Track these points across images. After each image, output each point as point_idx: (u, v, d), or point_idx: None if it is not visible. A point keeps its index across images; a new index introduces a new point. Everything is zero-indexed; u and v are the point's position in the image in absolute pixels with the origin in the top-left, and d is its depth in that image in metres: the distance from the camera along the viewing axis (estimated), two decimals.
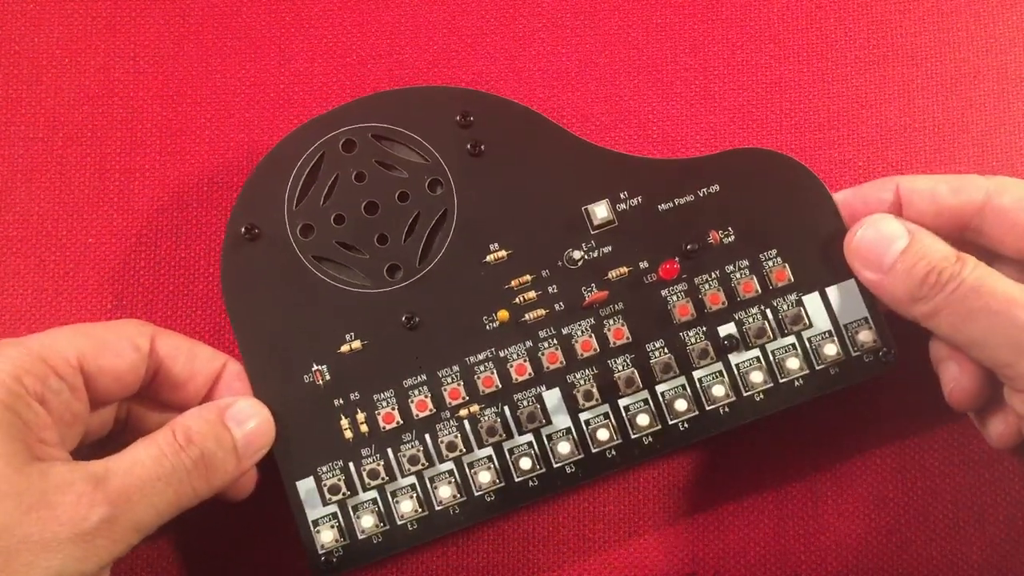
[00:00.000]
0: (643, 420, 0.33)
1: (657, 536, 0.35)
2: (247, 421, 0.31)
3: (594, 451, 0.33)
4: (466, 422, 0.33)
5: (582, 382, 0.33)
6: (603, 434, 0.33)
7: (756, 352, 0.33)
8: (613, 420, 0.33)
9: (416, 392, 0.33)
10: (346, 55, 0.38)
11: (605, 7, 0.38)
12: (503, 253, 0.33)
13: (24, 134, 0.37)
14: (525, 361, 0.33)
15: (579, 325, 0.33)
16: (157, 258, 0.37)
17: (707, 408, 0.33)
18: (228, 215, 0.33)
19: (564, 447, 0.33)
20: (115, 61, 0.38)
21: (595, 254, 0.33)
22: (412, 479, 0.33)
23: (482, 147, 0.34)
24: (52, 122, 0.37)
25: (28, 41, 0.38)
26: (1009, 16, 0.38)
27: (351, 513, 0.32)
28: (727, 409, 0.33)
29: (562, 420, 0.33)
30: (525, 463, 0.33)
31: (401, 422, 0.33)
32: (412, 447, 0.33)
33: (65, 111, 0.38)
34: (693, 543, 0.35)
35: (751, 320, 0.33)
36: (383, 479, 0.32)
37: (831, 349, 0.33)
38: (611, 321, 0.33)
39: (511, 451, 0.33)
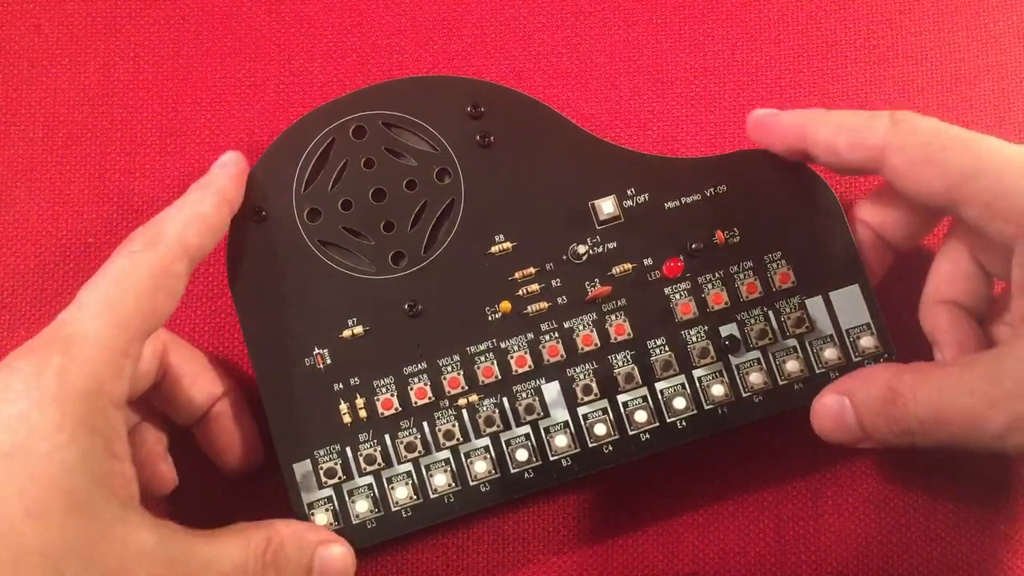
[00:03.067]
0: (641, 417, 0.33)
1: (657, 536, 0.35)
2: (331, 571, 0.31)
3: (591, 445, 0.33)
4: (464, 411, 0.33)
5: (582, 376, 0.33)
6: (600, 429, 0.33)
7: (757, 353, 0.33)
8: (611, 416, 0.33)
9: (416, 380, 0.33)
10: (346, 55, 0.38)
11: (605, 7, 0.39)
12: (508, 245, 0.34)
13: (24, 134, 0.38)
14: (526, 353, 0.33)
15: (581, 319, 0.33)
16: None
17: (706, 407, 0.33)
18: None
19: (561, 440, 0.33)
20: (115, 61, 0.38)
21: (600, 249, 0.34)
22: (408, 466, 0.33)
23: (491, 138, 0.34)
24: (52, 122, 0.38)
25: (28, 41, 0.38)
26: (1009, 16, 0.38)
27: (346, 497, 0.33)
28: (725, 409, 0.33)
29: (560, 413, 0.33)
30: (521, 455, 0.33)
31: (400, 409, 0.33)
32: (410, 434, 0.33)
33: (65, 111, 0.38)
34: (693, 543, 0.35)
35: (753, 321, 0.33)
36: (379, 465, 0.32)
37: (832, 353, 0.33)
38: (613, 317, 0.33)
39: (508, 442, 0.33)
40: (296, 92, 0.38)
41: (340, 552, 0.31)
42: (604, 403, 0.33)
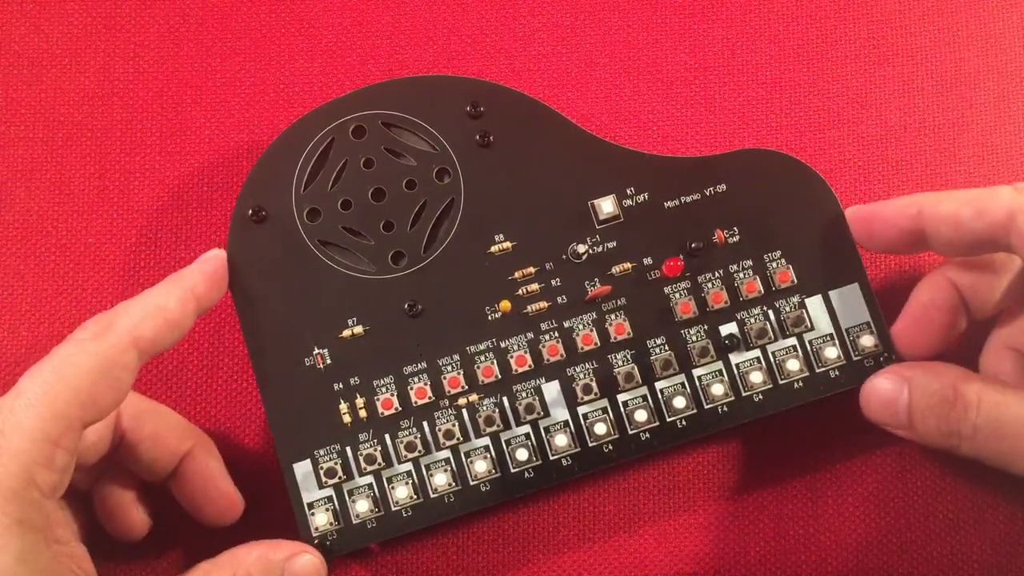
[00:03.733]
0: (641, 416, 0.33)
1: (657, 536, 0.35)
2: None
3: (591, 445, 0.33)
4: (464, 411, 0.33)
5: (581, 376, 0.33)
6: (600, 428, 0.33)
7: (756, 352, 0.33)
8: (611, 415, 0.33)
9: (416, 379, 0.33)
10: (346, 55, 0.38)
11: (605, 7, 0.39)
12: (508, 244, 0.34)
13: (24, 134, 0.38)
14: (525, 353, 0.33)
15: (581, 319, 0.33)
16: (157, 258, 0.37)
17: (705, 407, 0.33)
18: (228, 215, 0.34)
19: (561, 440, 0.33)
20: (115, 61, 0.38)
21: (599, 249, 0.34)
22: (408, 466, 0.33)
23: (491, 138, 0.34)
24: (52, 122, 0.38)
25: (28, 41, 0.38)
26: (1009, 16, 0.38)
27: (346, 497, 0.33)
28: (725, 408, 0.33)
29: (560, 413, 0.33)
30: (521, 454, 0.33)
31: (400, 408, 0.33)
32: (410, 434, 0.33)
33: (65, 111, 0.38)
34: (693, 543, 0.35)
35: (753, 320, 0.33)
36: (379, 465, 0.32)
37: (832, 352, 0.33)
38: (613, 316, 0.33)
39: (508, 442, 0.33)
40: (296, 92, 0.38)
41: (308, 559, 0.31)
42: (604, 402, 0.33)
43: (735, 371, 0.33)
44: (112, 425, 0.31)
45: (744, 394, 0.33)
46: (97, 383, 0.28)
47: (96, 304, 0.36)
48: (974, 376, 0.30)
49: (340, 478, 0.32)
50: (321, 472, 0.32)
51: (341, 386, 0.33)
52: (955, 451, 0.30)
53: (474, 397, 0.33)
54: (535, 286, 0.33)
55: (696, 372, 0.33)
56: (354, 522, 0.32)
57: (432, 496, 0.32)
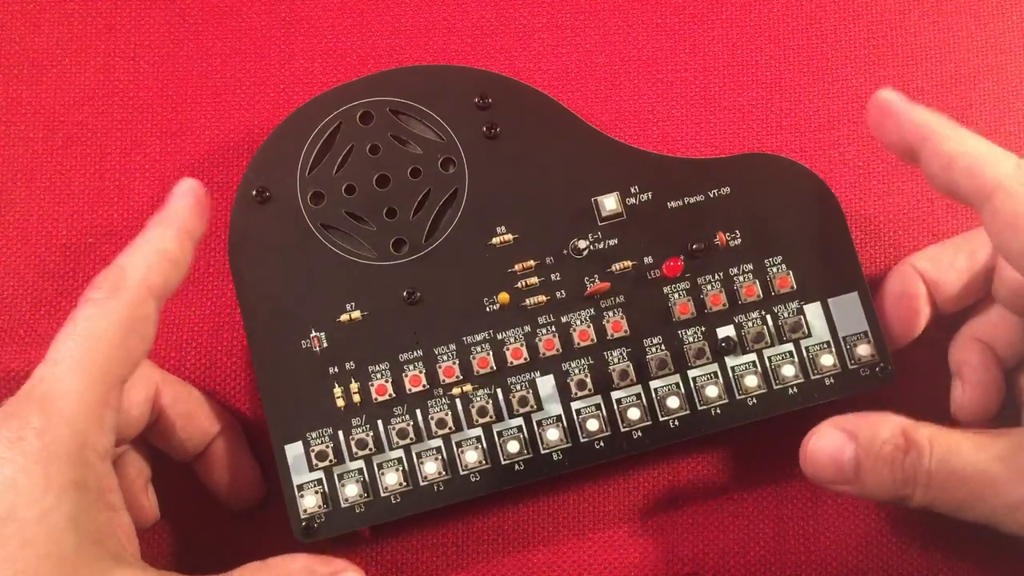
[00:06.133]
0: (634, 414, 0.33)
1: (657, 536, 0.35)
2: None
3: (582, 441, 0.33)
4: (458, 401, 0.33)
5: (577, 371, 0.33)
6: (593, 424, 0.33)
7: (752, 356, 0.33)
8: (604, 412, 0.33)
9: (411, 367, 0.33)
10: (346, 55, 0.38)
11: (605, 7, 0.39)
12: (509, 237, 0.34)
13: (24, 134, 0.38)
14: (522, 346, 0.33)
15: (578, 315, 0.33)
16: None
17: (699, 408, 0.33)
18: (228, 215, 0.34)
19: (553, 434, 0.33)
20: (115, 61, 0.38)
21: (600, 245, 0.34)
22: (399, 452, 0.33)
23: (498, 130, 0.34)
24: (52, 122, 0.38)
25: (28, 41, 0.38)
26: (1009, 16, 0.38)
27: (336, 481, 0.33)
28: (719, 411, 0.33)
29: (553, 407, 0.33)
30: (513, 446, 0.33)
31: (393, 395, 0.33)
32: (402, 421, 0.33)
33: (65, 111, 0.38)
34: (693, 543, 0.35)
35: (750, 324, 0.33)
36: (371, 450, 0.32)
37: (828, 360, 0.33)
38: (611, 313, 0.33)
39: (500, 433, 0.33)
40: (296, 92, 0.38)
41: None
42: (598, 399, 0.33)
43: (730, 374, 0.33)
44: (151, 401, 0.32)
45: (738, 397, 0.33)
46: (126, 338, 0.28)
47: None
48: (921, 423, 0.30)
49: (331, 461, 0.32)
50: (312, 455, 0.32)
51: (336, 370, 0.33)
52: (907, 501, 0.29)
53: (468, 387, 0.33)
54: (534, 279, 0.33)
55: (691, 373, 0.33)
56: (343, 506, 0.32)
57: (422, 484, 0.33)
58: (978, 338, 0.33)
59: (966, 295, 0.33)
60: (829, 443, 0.30)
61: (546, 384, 0.33)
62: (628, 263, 0.34)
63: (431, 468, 0.32)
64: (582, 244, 0.33)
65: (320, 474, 0.33)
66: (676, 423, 0.33)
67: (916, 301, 0.33)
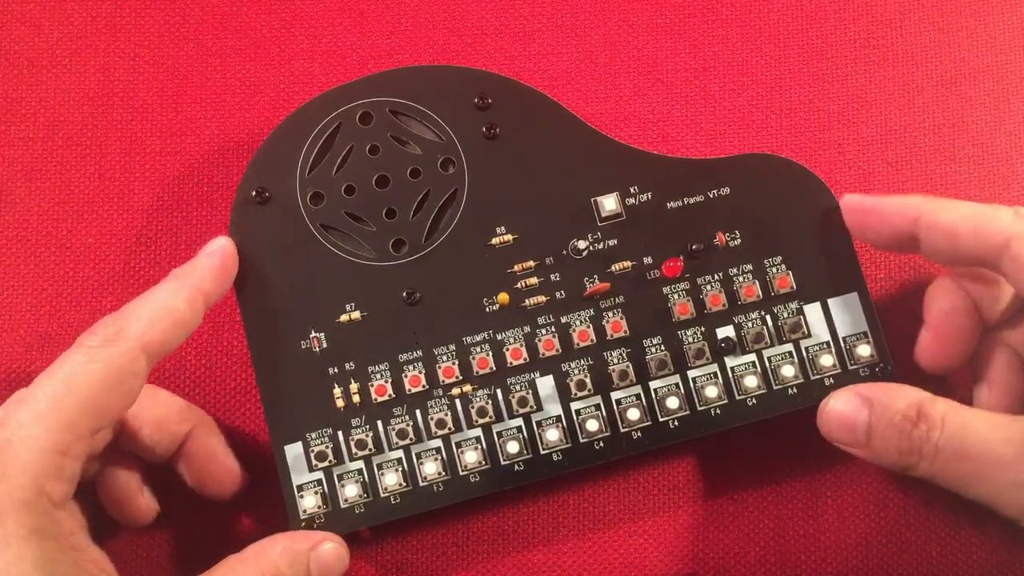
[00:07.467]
0: (634, 415, 0.33)
1: (657, 536, 0.35)
2: (330, 568, 0.31)
3: (582, 441, 0.33)
4: (457, 401, 0.33)
5: (576, 372, 0.33)
6: (592, 425, 0.33)
7: (752, 357, 0.33)
8: (604, 412, 0.33)
9: (411, 367, 0.33)
10: (346, 55, 0.38)
11: (605, 7, 0.38)
12: (509, 237, 0.34)
13: (24, 134, 0.38)
14: (521, 346, 0.33)
15: (578, 315, 0.33)
16: (157, 258, 0.37)
17: (699, 408, 0.33)
18: (228, 215, 0.34)
19: (552, 434, 0.33)
20: (115, 61, 0.38)
21: (600, 246, 0.34)
22: (399, 453, 0.33)
23: (497, 130, 0.34)
24: (52, 122, 0.38)
25: (28, 41, 0.38)
26: (1009, 16, 0.38)
27: (336, 481, 0.33)
28: (718, 411, 0.33)
29: (553, 408, 0.33)
30: (512, 447, 0.33)
31: (393, 396, 0.33)
32: (402, 421, 0.33)
33: (65, 111, 0.38)
34: (693, 543, 0.35)
35: (750, 324, 0.33)
36: (370, 450, 0.32)
37: (827, 360, 0.33)
38: (610, 314, 0.33)
39: (499, 434, 0.33)
40: (296, 93, 0.38)
41: (332, 547, 0.31)
42: (597, 399, 0.33)
43: (730, 374, 0.33)
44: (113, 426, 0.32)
45: (738, 398, 0.33)
46: (108, 392, 0.28)
47: (96, 304, 0.36)
48: (939, 398, 0.30)
49: (330, 462, 0.32)
50: (312, 455, 0.32)
51: (336, 370, 0.33)
52: (911, 471, 0.30)
53: (468, 388, 0.33)
54: (534, 280, 0.33)
55: (691, 373, 0.33)
56: (342, 506, 0.32)
57: (421, 484, 0.33)
58: (1005, 343, 0.33)
59: (1008, 309, 0.32)
60: (845, 405, 0.31)
61: (546, 384, 0.33)
62: (628, 263, 0.33)
63: (431, 468, 0.32)
64: (582, 244, 0.33)
65: (320, 474, 0.33)
66: (676, 423, 0.33)
67: (969, 319, 0.32)
